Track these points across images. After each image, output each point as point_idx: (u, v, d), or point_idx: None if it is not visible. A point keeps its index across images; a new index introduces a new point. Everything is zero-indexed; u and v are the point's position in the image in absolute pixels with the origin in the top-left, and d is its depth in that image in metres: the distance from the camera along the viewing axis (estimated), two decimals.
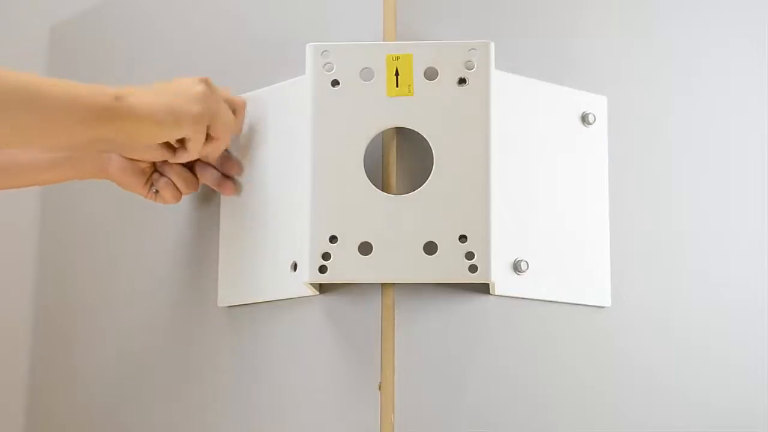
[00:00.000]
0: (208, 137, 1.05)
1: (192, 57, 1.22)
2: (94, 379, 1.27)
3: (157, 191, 1.12)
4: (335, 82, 1.02)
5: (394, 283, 1.02)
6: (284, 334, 1.08)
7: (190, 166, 1.12)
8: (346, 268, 1.00)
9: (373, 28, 1.07)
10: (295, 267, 1.04)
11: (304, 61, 1.03)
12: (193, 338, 1.16)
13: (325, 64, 1.02)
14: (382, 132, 1.03)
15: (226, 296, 1.12)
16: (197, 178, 1.13)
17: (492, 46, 1.01)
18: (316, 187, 1.01)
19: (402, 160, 1.04)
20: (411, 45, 1.02)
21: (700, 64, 1.17)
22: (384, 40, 1.06)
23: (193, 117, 1.01)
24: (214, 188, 1.12)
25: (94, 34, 1.35)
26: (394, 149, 1.04)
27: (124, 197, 1.17)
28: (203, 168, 1.12)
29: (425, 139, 1.01)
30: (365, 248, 1.00)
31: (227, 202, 1.13)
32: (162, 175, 1.12)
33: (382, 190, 1.02)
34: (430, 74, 1.01)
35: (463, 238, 0.99)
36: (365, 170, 1.01)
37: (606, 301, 1.08)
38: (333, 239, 1.00)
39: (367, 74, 1.02)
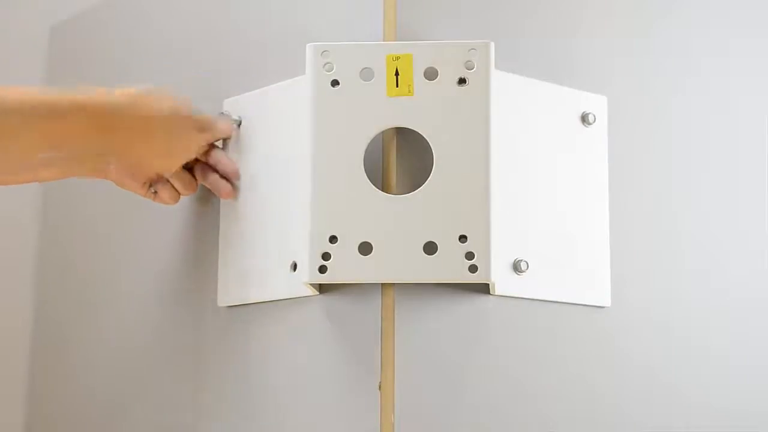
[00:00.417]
0: None
1: (192, 57, 1.22)
2: (94, 378, 1.27)
3: (155, 192, 1.12)
4: (335, 82, 1.02)
5: (394, 283, 1.02)
6: (284, 334, 1.08)
7: (189, 168, 1.13)
8: (346, 268, 1.00)
9: (373, 28, 1.07)
10: (295, 267, 1.04)
11: (304, 61, 1.03)
12: (193, 338, 1.16)
13: (325, 64, 1.02)
14: (382, 132, 1.03)
15: (226, 296, 1.12)
16: (196, 180, 1.13)
17: (492, 46, 1.01)
18: (316, 187, 1.01)
19: (402, 160, 1.04)
20: (411, 45, 1.02)
21: (700, 64, 1.17)
22: (384, 40, 1.06)
23: None
24: (212, 191, 1.12)
25: (94, 34, 1.35)
26: (394, 149, 1.04)
27: (124, 197, 1.17)
28: (202, 170, 1.12)
29: (425, 139, 1.01)
30: (365, 248, 1.00)
31: (227, 202, 1.13)
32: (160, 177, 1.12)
33: (382, 190, 1.02)
34: (430, 74, 1.01)
35: (463, 238, 0.99)
36: (365, 170, 1.01)
37: (606, 301, 1.08)
38: (333, 239, 1.00)
39: (367, 74, 1.02)
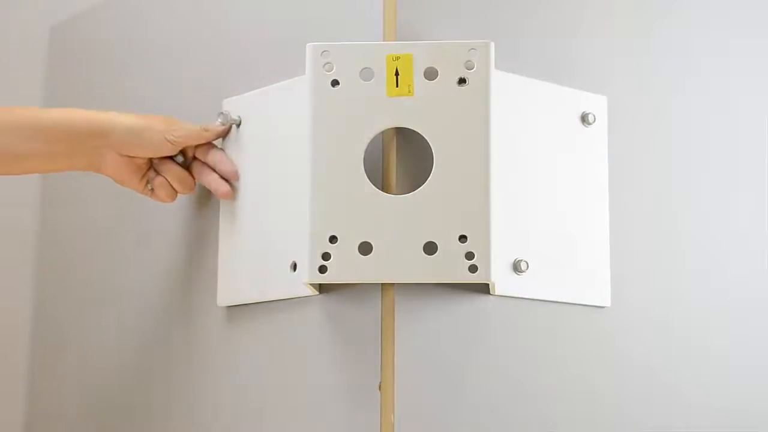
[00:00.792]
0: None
1: (191, 57, 1.22)
2: (94, 378, 1.27)
3: (152, 189, 1.12)
4: (335, 82, 1.02)
5: (394, 283, 1.02)
6: (284, 334, 1.08)
7: (186, 166, 1.13)
8: (346, 268, 1.00)
9: (373, 28, 1.07)
10: (295, 267, 1.04)
11: (304, 61, 1.03)
12: (193, 338, 1.16)
13: (325, 64, 1.02)
14: (382, 132, 1.03)
15: (226, 296, 1.12)
16: (194, 179, 1.13)
17: (492, 46, 1.01)
18: (316, 187, 1.01)
19: (402, 160, 1.04)
20: (411, 45, 1.02)
21: (700, 64, 1.17)
22: (384, 40, 1.06)
23: None
24: (211, 190, 1.12)
25: (94, 34, 1.35)
26: (394, 149, 1.04)
27: (124, 197, 1.17)
28: (200, 169, 1.12)
29: (425, 139, 1.01)
30: (365, 248, 1.00)
31: (227, 201, 1.13)
32: (158, 173, 1.12)
33: (382, 190, 1.02)
34: (430, 74, 1.01)
35: (463, 238, 0.99)
36: (365, 170, 1.01)
37: (606, 301, 1.08)
38: (333, 239, 1.00)
39: (367, 74, 1.02)
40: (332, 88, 1.02)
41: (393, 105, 1.01)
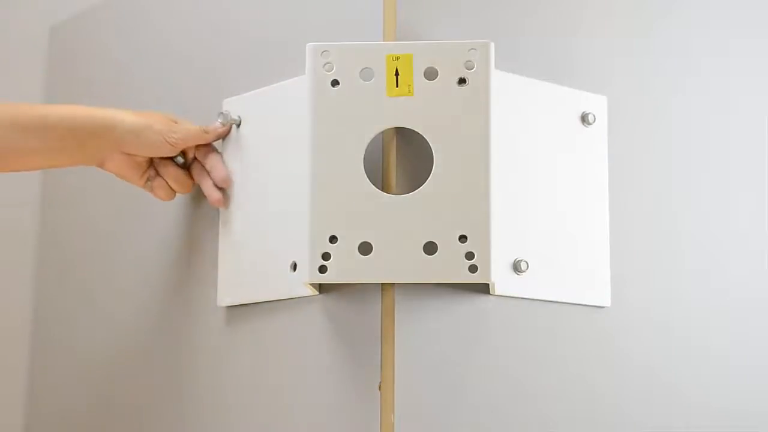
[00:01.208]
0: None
1: (191, 57, 1.22)
2: (93, 378, 1.27)
3: (152, 186, 1.13)
4: (335, 82, 1.02)
5: (394, 283, 1.02)
6: (284, 334, 1.08)
7: (187, 167, 1.13)
8: (346, 268, 1.00)
9: (373, 28, 1.07)
10: (295, 267, 1.04)
11: (304, 61, 1.03)
12: (193, 338, 1.16)
13: (325, 64, 1.02)
14: (382, 132, 1.03)
15: (226, 296, 1.12)
16: (192, 180, 1.13)
17: (492, 46, 1.01)
18: (316, 187, 1.01)
19: (402, 160, 1.04)
20: (411, 45, 1.02)
21: (700, 64, 1.17)
22: (384, 40, 1.06)
23: None
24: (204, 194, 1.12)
25: (93, 34, 1.35)
26: (394, 149, 1.04)
27: (124, 197, 1.17)
28: (199, 171, 1.12)
29: (425, 139, 1.01)
30: (365, 248, 1.00)
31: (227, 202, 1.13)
32: (157, 174, 1.12)
33: (382, 190, 1.02)
34: (430, 74, 1.01)
35: (463, 238, 0.99)
36: (365, 170, 1.01)
37: (606, 301, 1.08)
38: (333, 239, 1.00)
39: (367, 74, 1.02)
40: (332, 88, 1.02)
41: (393, 105, 1.01)
